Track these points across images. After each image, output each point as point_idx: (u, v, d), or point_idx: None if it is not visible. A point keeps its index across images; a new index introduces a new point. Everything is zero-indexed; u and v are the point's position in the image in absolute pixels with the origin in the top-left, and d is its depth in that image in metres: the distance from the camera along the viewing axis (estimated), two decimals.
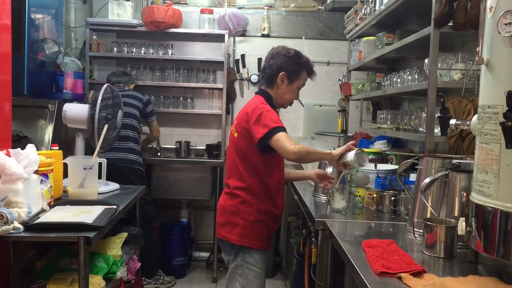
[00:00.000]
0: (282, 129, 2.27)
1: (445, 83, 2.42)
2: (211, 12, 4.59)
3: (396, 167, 3.02)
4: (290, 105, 2.55)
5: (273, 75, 2.43)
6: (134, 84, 4.24)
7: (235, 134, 2.43)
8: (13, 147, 2.23)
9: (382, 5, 3.13)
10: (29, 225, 1.96)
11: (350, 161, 2.27)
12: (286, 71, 2.41)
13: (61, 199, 2.55)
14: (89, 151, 3.02)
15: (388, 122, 3.19)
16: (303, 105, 4.74)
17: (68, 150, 3.00)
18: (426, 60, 2.45)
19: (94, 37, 4.53)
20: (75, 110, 2.96)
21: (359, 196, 2.63)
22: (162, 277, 4.13)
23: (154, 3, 4.56)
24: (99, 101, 2.87)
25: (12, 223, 1.90)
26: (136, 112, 3.97)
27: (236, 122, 2.45)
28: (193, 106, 4.73)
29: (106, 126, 2.84)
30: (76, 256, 1.98)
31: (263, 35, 4.79)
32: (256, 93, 2.52)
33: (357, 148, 2.30)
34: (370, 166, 2.90)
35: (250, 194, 2.38)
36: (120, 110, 3.06)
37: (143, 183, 3.71)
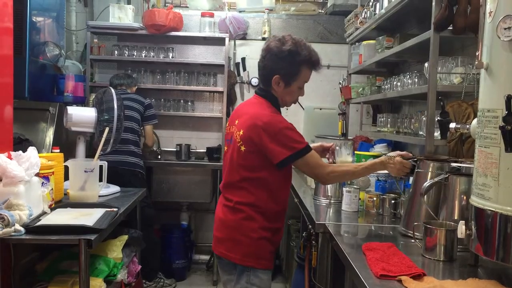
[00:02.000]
0: (309, 148, 2.07)
1: (445, 86, 2.43)
2: (211, 15, 4.60)
3: None
4: (295, 103, 2.28)
5: (267, 77, 2.12)
6: (136, 87, 4.25)
7: (242, 148, 2.06)
8: (14, 150, 2.24)
9: (382, 9, 3.14)
10: (30, 228, 1.97)
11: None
12: (279, 74, 2.08)
13: (62, 202, 2.56)
14: (90, 154, 3.03)
15: (388, 126, 3.20)
16: (303, 108, 4.75)
17: (69, 153, 3.00)
18: (426, 64, 2.46)
19: (95, 40, 4.54)
20: (81, 114, 2.96)
21: (360, 199, 2.63)
22: (162, 280, 4.13)
23: (155, 7, 4.57)
24: (115, 106, 2.89)
25: (13, 225, 1.91)
26: (137, 115, 3.98)
27: (243, 132, 2.07)
28: (193, 109, 4.74)
29: (107, 129, 2.85)
30: (76, 258, 1.99)
31: (263, 39, 4.79)
32: (257, 93, 2.22)
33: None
34: None
35: (255, 210, 2.09)
36: (122, 113, 3.07)
37: (143, 185, 3.71)
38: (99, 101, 3.00)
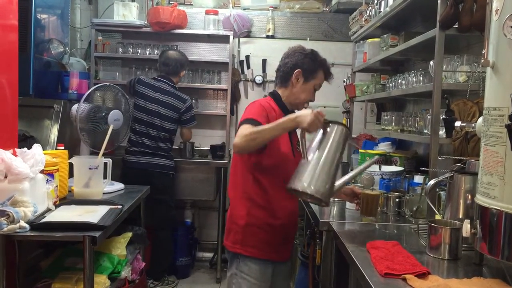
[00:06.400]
0: (253, 121, 2.05)
1: (450, 85, 2.42)
2: (216, 13, 4.60)
3: (400, 168, 3.02)
4: (305, 107, 2.35)
5: (288, 73, 2.28)
6: (183, 72, 4.17)
7: None
8: (19, 147, 2.24)
9: (387, 6, 3.13)
10: (35, 224, 1.98)
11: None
12: (301, 69, 2.26)
13: (66, 199, 2.57)
14: (93, 151, 3.03)
15: (393, 124, 3.19)
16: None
17: (73, 150, 3.01)
18: (431, 62, 2.45)
19: (100, 37, 4.55)
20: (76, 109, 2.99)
21: None
22: (165, 277, 4.14)
23: (159, 4, 4.57)
24: (83, 98, 2.92)
25: (18, 222, 1.91)
26: (172, 114, 3.96)
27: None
28: (197, 106, 4.73)
29: (111, 127, 2.86)
30: (81, 255, 1.99)
31: (267, 36, 4.80)
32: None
33: None
34: (375, 168, 2.90)
35: (240, 195, 2.23)
36: (117, 110, 3.07)
37: (172, 187, 3.79)
38: (98, 97, 3.03)
